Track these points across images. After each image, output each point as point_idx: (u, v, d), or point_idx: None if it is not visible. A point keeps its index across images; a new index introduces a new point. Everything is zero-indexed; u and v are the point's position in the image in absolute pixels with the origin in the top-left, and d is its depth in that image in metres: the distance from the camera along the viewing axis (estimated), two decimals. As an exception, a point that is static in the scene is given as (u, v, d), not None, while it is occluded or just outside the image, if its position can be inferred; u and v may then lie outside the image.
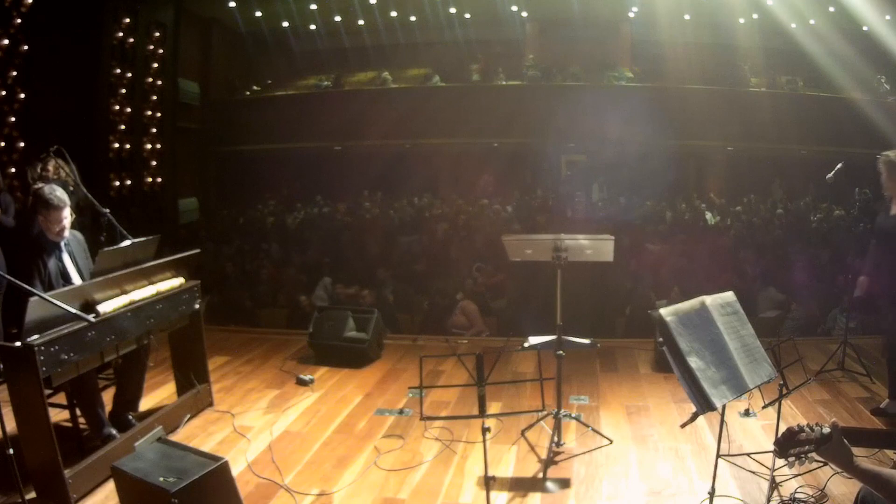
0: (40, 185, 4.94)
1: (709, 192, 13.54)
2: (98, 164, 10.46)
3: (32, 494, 3.20)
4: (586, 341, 3.99)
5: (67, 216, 3.81)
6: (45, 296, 3.06)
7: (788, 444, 2.00)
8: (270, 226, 11.91)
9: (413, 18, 14.29)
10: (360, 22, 14.26)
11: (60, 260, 3.90)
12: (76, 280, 3.89)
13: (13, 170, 8.03)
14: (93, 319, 3.16)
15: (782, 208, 11.91)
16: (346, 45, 14.70)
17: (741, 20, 13.23)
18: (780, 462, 2.23)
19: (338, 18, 14.38)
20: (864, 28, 11.73)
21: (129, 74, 10.99)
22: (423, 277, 8.33)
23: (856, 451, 2.02)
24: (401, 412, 4.50)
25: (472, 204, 12.51)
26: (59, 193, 3.75)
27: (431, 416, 4.17)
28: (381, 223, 11.24)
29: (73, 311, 2.97)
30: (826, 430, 2.00)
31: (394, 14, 14.18)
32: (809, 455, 2.01)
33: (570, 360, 4.19)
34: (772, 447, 2.14)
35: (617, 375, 5.15)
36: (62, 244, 3.90)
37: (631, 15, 14.02)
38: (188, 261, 4.39)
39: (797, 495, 3.21)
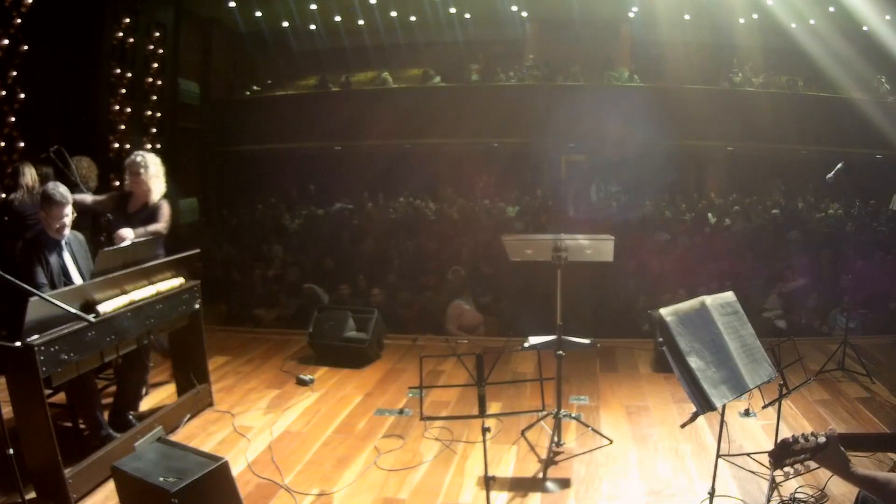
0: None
1: (709, 192, 13.54)
2: (98, 164, 10.44)
3: (32, 494, 3.21)
4: (586, 341, 4.00)
5: (69, 213, 3.83)
6: (46, 296, 3.06)
7: (784, 455, 1.99)
8: (270, 226, 11.89)
9: (413, 18, 14.26)
10: (360, 22, 14.23)
11: (61, 258, 3.90)
12: (77, 279, 3.89)
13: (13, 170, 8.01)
14: (93, 319, 3.17)
15: (781, 208, 11.89)
16: (346, 45, 14.67)
17: (741, 20, 13.19)
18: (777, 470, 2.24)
19: (338, 18, 14.36)
20: (864, 28, 11.71)
21: (129, 74, 10.96)
22: (423, 277, 8.31)
23: (856, 452, 2.02)
24: (401, 412, 4.51)
25: (471, 204, 12.49)
26: (62, 190, 3.79)
27: (431, 416, 4.17)
28: (381, 223, 11.23)
29: (74, 311, 2.97)
30: (822, 439, 1.98)
31: (394, 14, 14.15)
32: (805, 463, 2.00)
33: (570, 360, 4.20)
34: (767, 458, 2.12)
35: (617, 375, 5.15)
36: (63, 243, 3.91)
37: (631, 15, 13.98)
38: (188, 261, 4.39)
39: (797, 495, 3.22)
